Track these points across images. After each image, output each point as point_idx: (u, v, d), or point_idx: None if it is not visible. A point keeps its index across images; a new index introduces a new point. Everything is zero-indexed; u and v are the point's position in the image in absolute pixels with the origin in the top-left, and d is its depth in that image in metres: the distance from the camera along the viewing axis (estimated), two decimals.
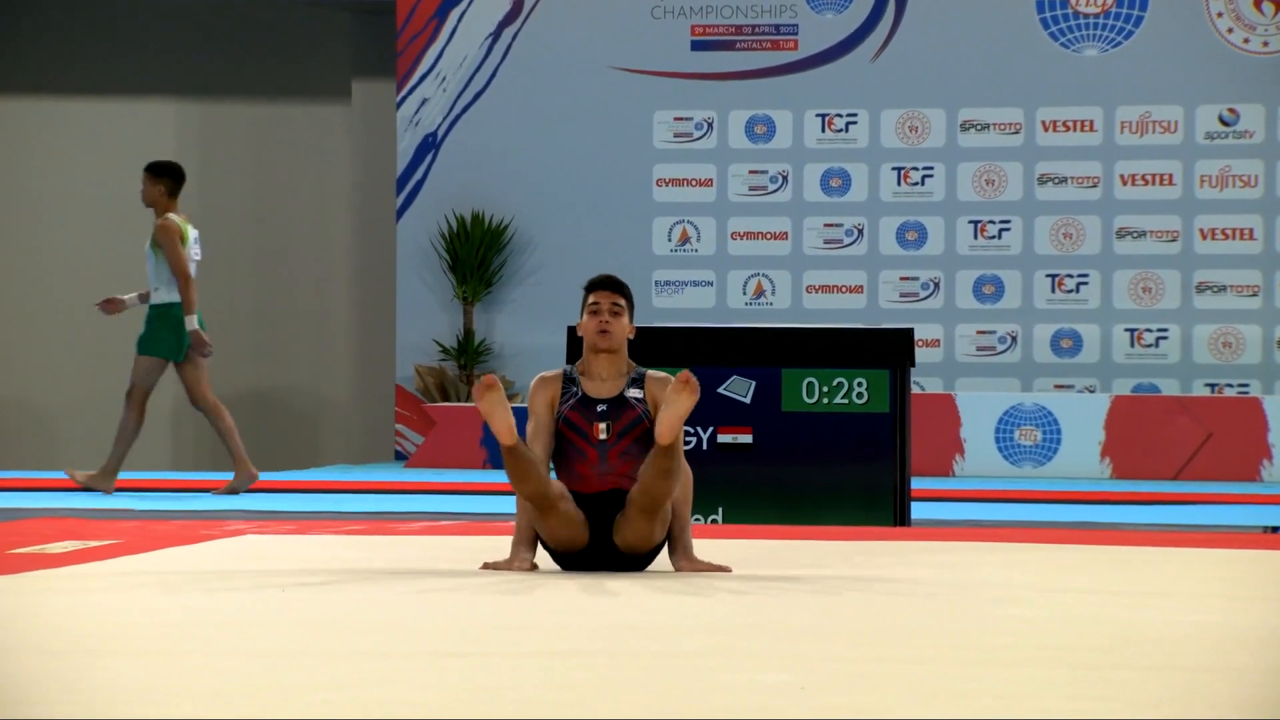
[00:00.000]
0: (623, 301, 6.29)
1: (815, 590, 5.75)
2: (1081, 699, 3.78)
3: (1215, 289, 16.05)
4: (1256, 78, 16.09)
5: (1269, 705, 3.80)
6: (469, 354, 16.61)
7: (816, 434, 8.57)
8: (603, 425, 6.19)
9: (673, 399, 5.95)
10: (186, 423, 18.00)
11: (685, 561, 6.19)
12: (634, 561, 6.18)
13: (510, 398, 16.29)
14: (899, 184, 16.41)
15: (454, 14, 16.88)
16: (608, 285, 6.30)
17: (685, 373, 5.97)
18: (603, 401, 6.22)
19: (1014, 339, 16.22)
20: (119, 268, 18.15)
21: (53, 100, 18.24)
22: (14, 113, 18.24)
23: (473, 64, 16.85)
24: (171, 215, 11.51)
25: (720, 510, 8.59)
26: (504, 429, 5.96)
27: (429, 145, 16.88)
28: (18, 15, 18.08)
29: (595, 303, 6.27)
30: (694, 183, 16.61)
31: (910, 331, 8.68)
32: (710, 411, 8.60)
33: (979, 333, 16.29)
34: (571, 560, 6.20)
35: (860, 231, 16.43)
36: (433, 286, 16.89)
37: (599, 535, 6.14)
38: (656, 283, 16.55)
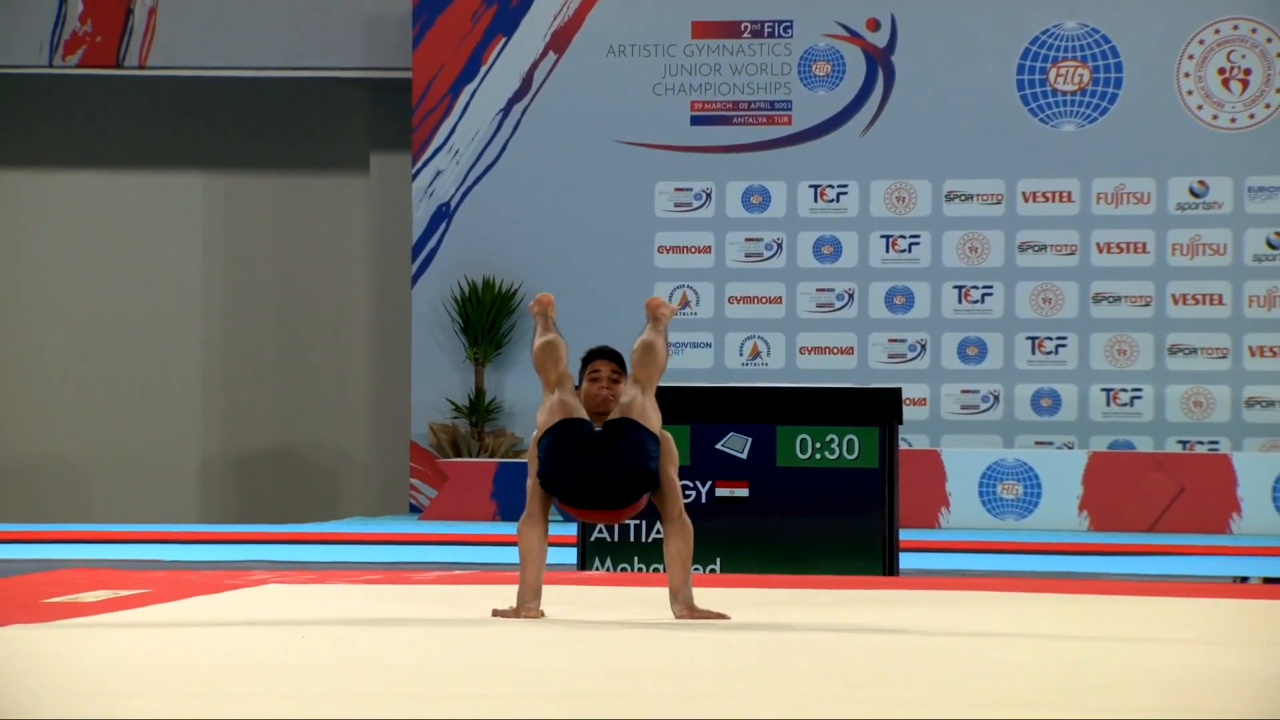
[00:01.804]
0: (620, 369, 6.43)
1: (809, 636, 5.75)
2: None
3: (1187, 351, 16.05)
4: (1225, 152, 16.13)
5: None
6: (480, 412, 16.62)
7: (810, 488, 8.57)
8: (599, 429, 6.26)
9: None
10: (214, 477, 17.99)
11: (685, 610, 6.21)
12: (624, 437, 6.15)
13: (518, 453, 16.29)
14: (887, 251, 16.43)
15: (466, 91, 16.94)
16: (606, 355, 6.48)
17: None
18: (600, 424, 6.30)
19: (996, 398, 16.22)
20: (148, 328, 18.17)
21: (89, 173, 18.29)
22: (53, 185, 18.29)
23: (484, 138, 16.90)
24: None
25: (719, 560, 8.58)
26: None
27: (442, 215, 16.91)
28: (53, 94, 18.14)
29: (596, 370, 6.44)
30: (693, 250, 16.63)
31: (898, 391, 8.69)
32: (708, 466, 8.60)
33: (963, 392, 16.29)
34: (572, 454, 6.15)
35: (851, 296, 16.44)
36: (446, 348, 16.90)
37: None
38: None
